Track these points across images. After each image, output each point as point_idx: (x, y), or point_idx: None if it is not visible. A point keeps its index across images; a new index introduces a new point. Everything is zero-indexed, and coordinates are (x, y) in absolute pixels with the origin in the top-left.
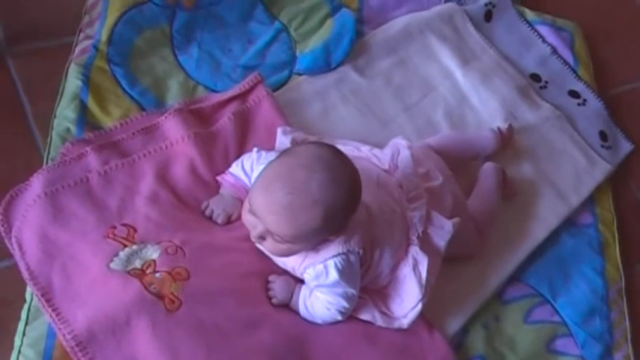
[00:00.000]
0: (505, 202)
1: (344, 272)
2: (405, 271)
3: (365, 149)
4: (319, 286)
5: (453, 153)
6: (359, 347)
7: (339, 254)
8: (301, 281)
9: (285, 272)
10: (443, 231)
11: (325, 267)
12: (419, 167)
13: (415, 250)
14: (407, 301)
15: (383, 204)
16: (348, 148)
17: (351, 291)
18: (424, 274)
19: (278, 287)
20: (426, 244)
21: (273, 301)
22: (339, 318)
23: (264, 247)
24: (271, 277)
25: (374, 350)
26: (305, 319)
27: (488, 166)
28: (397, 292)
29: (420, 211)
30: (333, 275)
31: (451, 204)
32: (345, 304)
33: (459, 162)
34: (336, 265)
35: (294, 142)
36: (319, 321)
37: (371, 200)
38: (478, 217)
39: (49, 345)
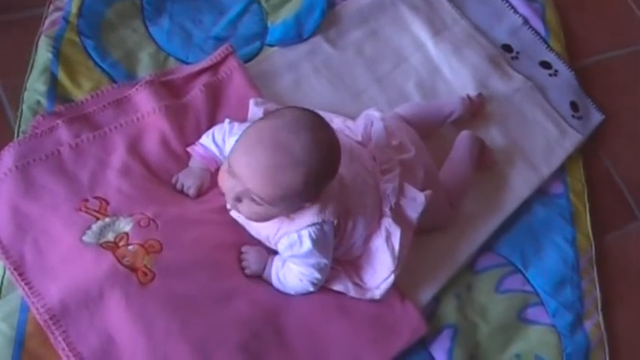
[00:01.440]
0: (477, 173)
1: (318, 242)
2: (378, 243)
3: (338, 121)
4: (292, 257)
5: (422, 120)
6: (332, 318)
7: (313, 224)
8: (274, 252)
9: (258, 243)
10: (415, 203)
11: (299, 236)
12: (392, 139)
13: (388, 222)
14: (379, 272)
15: (356, 175)
16: None
17: (324, 261)
18: (397, 246)
19: (251, 258)
20: (399, 216)
21: (247, 271)
22: (311, 289)
23: (240, 210)
24: (244, 248)
25: (347, 321)
26: (278, 291)
27: (464, 135)
28: (370, 263)
29: (393, 183)
30: (307, 245)
31: (423, 176)
32: (317, 275)
33: (429, 130)
34: (310, 234)
35: (266, 113)
36: (292, 292)
37: (344, 171)
38: (450, 186)
39: (22, 319)
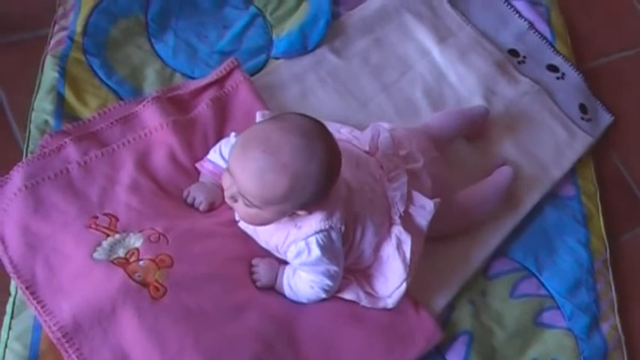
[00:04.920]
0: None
1: (326, 249)
2: (389, 251)
3: (345, 131)
4: (302, 265)
5: (451, 125)
6: (346, 327)
7: (320, 231)
8: (285, 263)
9: (268, 254)
10: (424, 211)
11: (307, 244)
12: (400, 149)
13: (398, 230)
14: (391, 280)
15: (363, 183)
16: None
17: (334, 268)
18: (408, 254)
19: (262, 270)
20: (409, 224)
21: (258, 284)
22: (324, 296)
23: (237, 210)
24: (254, 261)
25: (361, 330)
26: (291, 301)
27: (505, 170)
28: (381, 272)
29: (401, 191)
30: (315, 252)
31: (430, 185)
32: (328, 282)
33: (460, 135)
34: (317, 241)
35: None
36: (304, 300)
37: (350, 179)
38: (472, 206)
39: (35, 337)
